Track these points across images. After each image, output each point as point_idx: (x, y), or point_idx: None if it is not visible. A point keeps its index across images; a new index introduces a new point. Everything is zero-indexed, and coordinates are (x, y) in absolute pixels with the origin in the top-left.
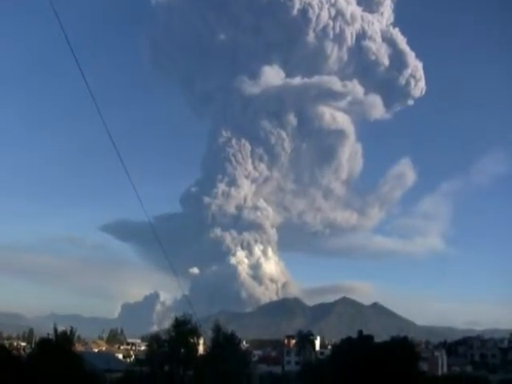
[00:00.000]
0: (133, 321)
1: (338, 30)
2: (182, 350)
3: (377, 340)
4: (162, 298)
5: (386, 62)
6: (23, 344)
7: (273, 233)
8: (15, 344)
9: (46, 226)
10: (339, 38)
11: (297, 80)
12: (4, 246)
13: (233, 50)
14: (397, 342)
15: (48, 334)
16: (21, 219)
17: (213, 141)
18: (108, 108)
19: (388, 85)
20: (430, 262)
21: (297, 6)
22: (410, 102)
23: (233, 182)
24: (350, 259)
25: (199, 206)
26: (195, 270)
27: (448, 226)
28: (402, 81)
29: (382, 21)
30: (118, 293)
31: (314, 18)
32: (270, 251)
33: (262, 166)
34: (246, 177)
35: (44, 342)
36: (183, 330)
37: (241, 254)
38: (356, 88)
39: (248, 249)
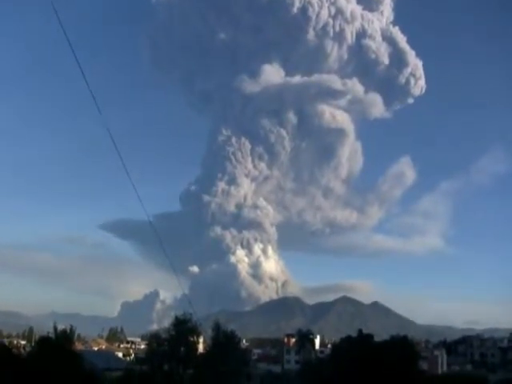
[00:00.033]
0: (133, 319)
1: (337, 28)
2: (182, 349)
3: (377, 339)
4: (161, 297)
5: (386, 60)
6: (23, 342)
7: (273, 231)
8: (15, 342)
9: (46, 225)
10: (339, 37)
11: (297, 78)
12: (4, 245)
13: (233, 49)
14: (397, 341)
15: (48, 333)
16: (21, 218)
17: (213, 139)
18: (108, 107)
19: (388, 83)
20: (429, 261)
21: (297, 4)
22: (410, 101)
23: (233, 181)
24: (349, 258)
25: (199, 204)
26: (195, 269)
27: (448, 225)
28: (402, 79)
29: (381, 19)
30: (117, 291)
31: (313, 17)
32: (269, 250)
33: (262, 165)
34: (246, 175)
35: (44, 341)
36: (183, 328)
37: (241, 253)
38: (356, 86)
39: (248, 247)
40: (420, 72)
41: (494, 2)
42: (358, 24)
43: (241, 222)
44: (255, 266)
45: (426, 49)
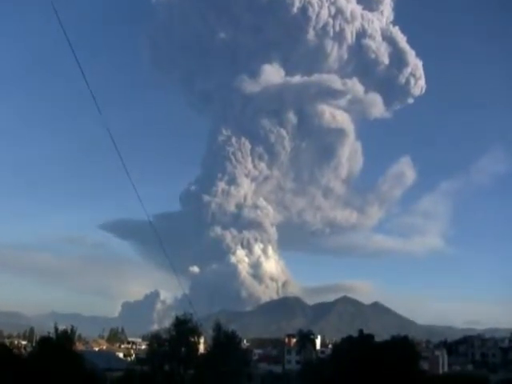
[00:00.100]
0: (133, 320)
1: (337, 28)
2: (183, 349)
3: (377, 339)
4: (162, 297)
5: (386, 60)
6: (24, 343)
7: (273, 231)
8: (16, 343)
9: (46, 225)
10: (339, 37)
11: (297, 78)
12: (5, 245)
13: (233, 49)
14: (397, 341)
15: (49, 333)
16: (21, 218)
17: (213, 139)
18: (108, 107)
19: (388, 83)
20: (430, 261)
21: (297, 4)
22: (410, 101)
23: (233, 181)
24: (350, 258)
25: (199, 204)
26: (195, 269)
27: (448, 225)
28: (402, 79)
29: (381, 19)
30: (118, 291)
31: (313, 17)
32: (270, 250)
33: (262, 165)
34: (246, 175)
35: (45, 341)
36: (184, 328)
37: (241, 253)
38: (356, 86)
39: (248, 247)
40: (420, 72)
41: (494, 1)
42: (357, 24)
43: (241, 222)
44: (255, 266)
45: (426, 49)
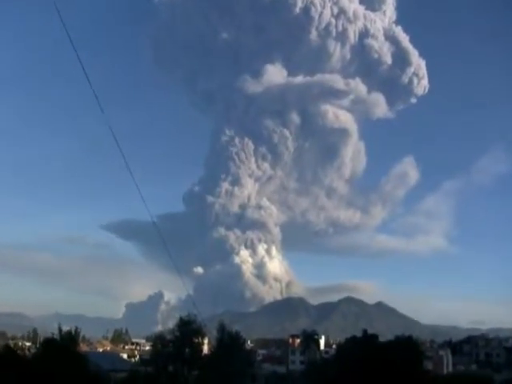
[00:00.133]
0: (137, 320)
1: (340, 28)
2: (187, 350)
3: (381, 339)
4: (166, 298)
5: (389, 60)
6: (28, 344)
7: (276, 232)
8: (20, 344)
9: (49, 226)
10: (342, 37)
11: (299, 79)
12: (7, 246)
13: (235, 49)
14: (401, 341)
15: (52, 334)
16: (23, 218)
17: (216, 140)
18: (110, 107)
19: (391, 83)
20: (433, 261)
21: (299, 4)
22: (413, 101)
23: (236, 181)
24: (353, 258)
25: (202, 205)
26: (199, 270)
27: (451, 224)
28: (405, 79)
29: (384, 19)
30: (122, 292)
31: (316, 17)
32: (273, 250)
33: (266, 165)
34: (250, 176)
35: (49, 342)
36: (188, 329)
37: (244, 254)
38: (359, 86)
39: (252, 248)
40: (423, 71)
41: (497, 1)
42: (360, 24)
43: (244, 222)
44: (259, 267)
45: (429, 48)
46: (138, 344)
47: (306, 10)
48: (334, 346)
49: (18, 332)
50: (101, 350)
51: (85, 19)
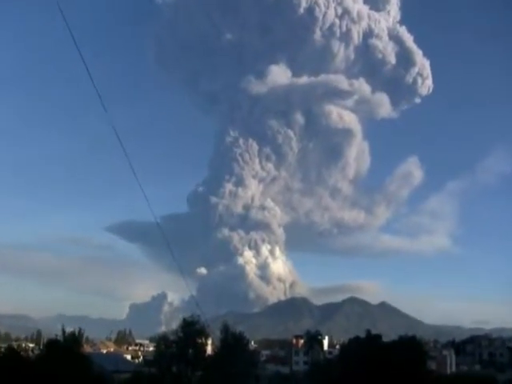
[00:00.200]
0: (141, 321)
1: (344, 28)
2: (190, 351)
3: (385, 339)
4: (169, 299)
5: (393, 60)
6: (31, 345)
7: (280, 232)
8: (23, 345)
9: (51, 227)
10: (346, 37)
11: (303, 79)
12: (9, 246)
13: (239, 50)
14: (405, 341)
15: (56, 335)
16: (26, 219)
17: (220, 141)
18: (113, 107)
19: (395, 83)
20: (437, 261)
21: (303, 4)
22: (417, 101)
23: (240, 182)
24: (357, 258)
25: (206, 206)
26: (203, 271)
27: (455, 224)
28: (409, 79)
29: (388, 19)
30: (125, 293)
31: (320, 17)
32: (277, 251)
33: (270, 166)
34: (254, 176)
35: (52, 344)
36: (191, 330)
37: (248, 254)
38: (363, 86)
39: (255, 249)
40: (427, 71)
41: (501, 1)
42: (364, 24)
43: (248, 223)
44: (263, 267)
45: (433, 48)
46: (141, 345)
47: (310, 10)
48: (337, 347)
49: (22, 334)
50: (104, 351)
51: (87, 19)
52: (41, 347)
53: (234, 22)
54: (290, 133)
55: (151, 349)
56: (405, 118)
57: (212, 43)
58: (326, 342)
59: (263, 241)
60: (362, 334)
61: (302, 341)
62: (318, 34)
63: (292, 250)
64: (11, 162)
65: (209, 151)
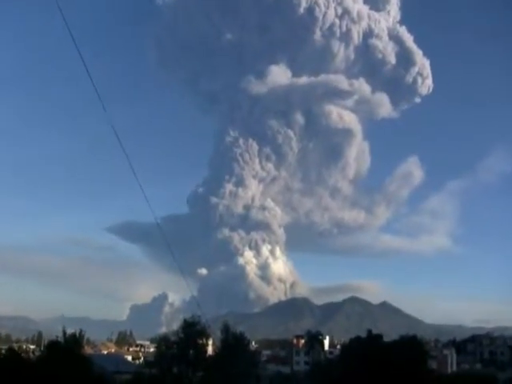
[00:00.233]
0: (141, 322)
1: (344, 28)
2: (191, 352)
3: (386, 339)
4: (170, 300)
5: (393, 60)
6: (32, 347)
7: (281, 232)
8: (24, 347)
9: (52, 228)
10: (346, 37)
11: (303, 79)
12: (10, 248)
13: (239, 50)
14: (406, 340)
15: (57, 337)
16: (25, 220)
17: (220, 141)
18: (114, 107)
19: (395, 83)
20: (437, 261)
21: (303, 4)
22: (417, 100)
23: (240, 182)
24: (357, 258)
25: (206, 206)
26: (203, 271)
27: (455, 224)
28: (409, 79)
29: (388, 19)
30: (126, 294)
31: (320, 17)
32: (277, 251)
33: (270, 166)
34: (254, 177)
35: (53, 345)
36: (192, 331)
37: (249, 255)
38: (363, 86)
39: (256, 249)
40: (427, 71)
41: (501, 1)
42: (364, 24)
43: (249, 223)
44: (263, 268)
45: (433, 48)
46: (142, 346)
47: (310, 10)
48: (338, 347)
49: (22, 335)
50: (105, 352)
51: (87, 19)
52: (42, 349)
53: (234, 22)
54: (290, 133)
55: (152, 350)
56: (405, 117)
57: (212, 43)
58: (326, 342)
59: (263, 241)
60: (363, 334)
61: (302, 341)
62: (317, 34)
63: (292, 250)
64: (11, 163)
65: (209, 151)
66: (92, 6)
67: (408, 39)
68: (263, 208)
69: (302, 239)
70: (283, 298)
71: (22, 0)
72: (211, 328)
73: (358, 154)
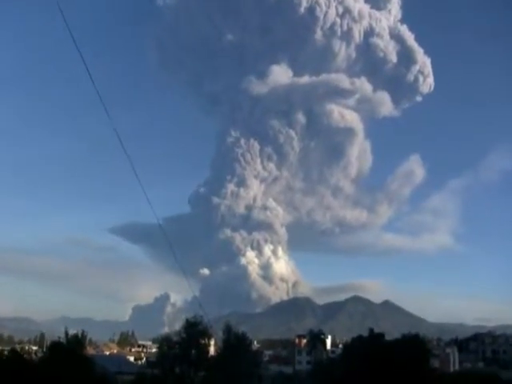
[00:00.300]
0: (144, 323)
1: (345, 27)
2: (193, 352)
3: (388, 338)
4: (172, 300)
5: (394, 58)
6: (35, 348)
7: (282, 232)
8: (27, 348)
9: (54, 229)
10: (347, 36)
11: (305, 79)
12: (11, 249)
13: (240, 50)
14: (408, 339)
15: (59, 338)
16: (26, 221)
17: (221, 141)
18: (115, 109)
19: (396, 81)
20: (439, 259)
21: (304, 4)
22: (419, 99)
23: (242, 182)
24: (359, 257)
25: (208, 206)
26: (205, 271)
27: (457, 222)
28: (411, 77)
29: (389, 18)
30: (128, 295)
31: (321, 16)
32: (279, 251)
33: (271, 166)
34: (255, 176)
35: (55, 346)
36: (194, 331)
37: (251, 255)
38: (364, 85)
39: (258, 249)
40: (428, 70)
41: (501, 1)
42: (365, 23)
43: (250, 223)
44: (265, 267)
45: (435, 46)
46: (144, 346)
47: (311, 9)
48: (340, 346)
49: (24, 336)
50: (107, 352)
51: (88, 20)
52: (44, 350)
53: (235, 22)
54: (292, 132)
55: (154, 350)
56: (406, 116)
57: (213, 44)
58: (329, 342)
59: (265, 241)
60: (365, 333)
61: (304, 340)
62: (318, 34)
63: (294, 250)
64: (12, 163)
65: (210, 152)
66: (93, 6)
67: (409, 38)
68: (265, 208)
69: (303, 239)
70: (285, 298)
71: (22, 0)
72: (213, 328)
73: (359, 153)
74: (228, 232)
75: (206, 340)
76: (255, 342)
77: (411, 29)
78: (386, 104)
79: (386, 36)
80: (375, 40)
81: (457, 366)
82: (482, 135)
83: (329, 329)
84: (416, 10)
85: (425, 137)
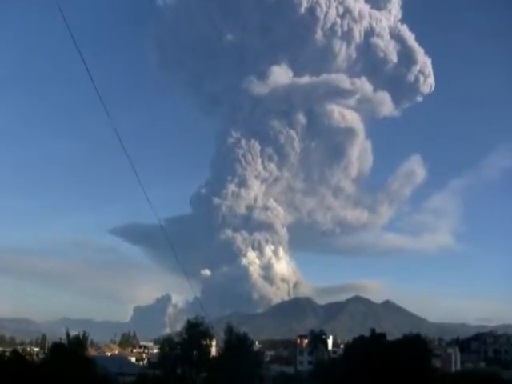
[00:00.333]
0: (145, 324)
1: (346, 27)
2: (195, 352)
3: (389, 338)
4: (173, 301)
5: (395, 58)
6: (36, 349)
7: (283, 233)
8: (28, 349)
9: (54, 230)
10: (347, 36)
11: (305, 79)
12: (11, 250)
13: (240, 50)
14: (409, 339)
15: (60, 339)
16: (27, 222)
17: (222, 142)
18: (115, 109)
19: (397, 82)
20: (441, 259)
21: (304, 4)
22: (419, 99)
23: (243, 183)
24: (360, 257)
25: (209, 207)
26: (206, 272)
27: (458, 222)
28: (411, 77)
29: (390, 18)
30: (129, 296)
31: (321, 17)
32: (281, 251)
33: (272, 166)
34: (256, 177)
35: (57, 347)
36: (195, 332)
37: (252, 255)
38: (365, 85)
39: (259, 249)
40: (429, 70)
41: (501, 1)
42: (366, 23)
43: (251, 223)
44: (266, 268)
45: (435, 46)
46: (145, 347)
47: (312, 10)
48: (341, 346)
49: (24, 337)
50: (109, 353)
51: (88, 20)
52: (45, 351)
53: (235, 22)
54: (292, 133)
55: (155, 351)
56: (407, 116)
57: (213, 44)
58: (330, 342)
59: (266, 241)
60: (367, 333)
61: (306, 341)
62: (319, 34)
63: (295, 250)
64: (12, 163)
65: (211, 152)
66: (93, 6)
67: (409, 38)
68: (266, 208)
69: (304, 239)
70: (286, 298)
71: (22, 0)
72: (215, 329)
73: (360, 153)
74: (229, 232)
75: (208, 341)
76: (256, 343)
77: (411, 29)
78: (386, 104)
79: (387, 36)
80: (375, 40)
81: (458, 366)
82: (482, 135)
83: (330, 329)
84: (416, 9)
85: (425, 137)
